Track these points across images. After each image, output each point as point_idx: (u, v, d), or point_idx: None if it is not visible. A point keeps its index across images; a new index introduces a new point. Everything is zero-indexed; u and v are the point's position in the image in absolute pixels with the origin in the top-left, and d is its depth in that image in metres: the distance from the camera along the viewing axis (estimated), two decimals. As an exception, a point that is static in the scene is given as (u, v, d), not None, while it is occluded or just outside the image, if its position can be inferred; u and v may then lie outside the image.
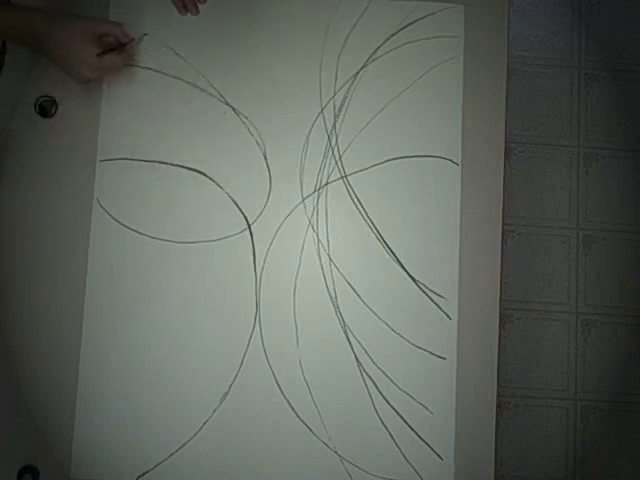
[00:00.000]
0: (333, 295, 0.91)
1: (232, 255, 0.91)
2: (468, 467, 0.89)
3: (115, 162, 0.91)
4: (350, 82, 0.94)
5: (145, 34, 0.93)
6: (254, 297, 0.90)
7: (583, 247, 1.69)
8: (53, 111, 0.91)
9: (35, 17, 0.81)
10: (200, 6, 0.93)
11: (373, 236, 0.92)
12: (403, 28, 0.95)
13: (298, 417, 0.88)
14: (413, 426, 0.89)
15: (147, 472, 0.87)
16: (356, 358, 0.90)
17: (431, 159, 0.94)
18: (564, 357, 1.66)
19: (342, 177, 0.93)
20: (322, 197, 0.92)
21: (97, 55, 0.83)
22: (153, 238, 0.90)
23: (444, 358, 0.90)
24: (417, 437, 0.89)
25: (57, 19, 0.83)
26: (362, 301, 0.91)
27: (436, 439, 0.89)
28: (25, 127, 0.91)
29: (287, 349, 0.89)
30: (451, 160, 0.94)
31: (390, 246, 0.92)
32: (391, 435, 0.89)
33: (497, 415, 0.90)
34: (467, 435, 0.89)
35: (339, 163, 0.93)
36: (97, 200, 0.91)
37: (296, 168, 0.93)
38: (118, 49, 0.87)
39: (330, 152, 0.93)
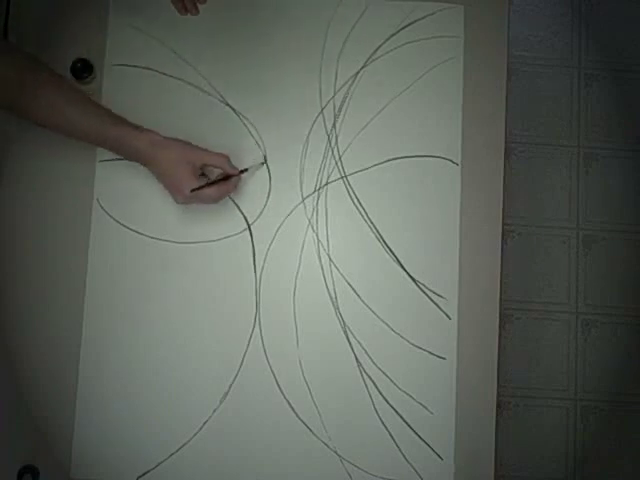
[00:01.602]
0: (333, 295, 0.91)
1: (232, 255, 0.91)
2: (468, 467, 0.89)
3: (115, 162, 0.91)
4: (350, 82, 0.94)
5: (263, 162, 0.91)
6: (254, 297, 0.90)
7: (583, 247, 1.69)
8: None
9: (140, 140, 0.83)
10: (200, 6, 0.93)
11: (373, 236, 0.92)
12: (403, 28, 0.95)
13: (298, 417, 0.88)
14: (413, 426, 0.89)
15: (147, 472, 0.87)
16: (356, 358, 0.90)
17: (431, 159, 0.94)
18: (564, 357, 1.66)
19: (342, 177, 0.93)
20: (322, 197, 0.92)
21: (191, 191, 0.83)
22: (153, 238, 0.90)
23: (444, 358, 0.90)
24: (417, 437, 0.89)
25: (162, 144, 0.84)
26: (362, 301, 0.91)
27: (436, 439, 0.89)
28: (25, 127, 0.91)
29: (287, 349, 0.89)
30: (451, 160, 0.94)
31: (390, 246, 0.92)
32: (391, 435, 0.89)
33: (497, 415, 0.90)
34: (467, 435, 0.89)
35: (339, 163, 0.93)
36: (97, 200, 0.91)
37: (296, 168, 0.93)
38: (218, 182, 0.86)
39: (330, 152, 0.93)
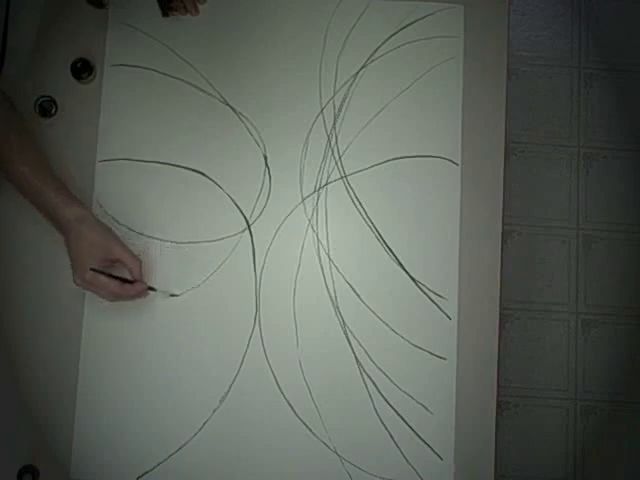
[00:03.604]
0: (333, 295, 0.91)
1: (232, 255, 0.91)
2: (468, 467, 0.89)
3: (115, 162, 0.91)
4: (350, 82, 0.94)
5: (173, 295, 0.89)
6: (254, 297, 0.90)
7: (583, 247, 1.69)
8: (53, 111, 0.91)
9: (72, 211, 0.82)
10: (200, 6, 0.94)
11: (373, 236, 0.92)
12: (403, 28, 0.95)
13: (298, 417, 0.88)
14: (413, 426, 0.89)
15: (147, 472, 0.87)
16: (356, 358, 0.90)
17: (431, 159, 0.94)
18: (564, 357, 1.66)
19: (342, 177, 0.93)
20: (322, 197, 0.92)
21: (90, 269, 0.82)
22: (153, 238, 0.90)
23: (444, 358, 0.90)
24: (417, 437, 0.89)
25: (89, 222, 0.83)
26: (362, 301, 0.91)
27: (436, 439, 0.89)
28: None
29: (287, 349, 0.89)
30: (451, 160, 0.94)
31: (390, 246, 0.92)
32: (391, 435, 0.89)
33: (497, 415, 0.90)
34: (467, 435, 0.89)
35: (339, 163, 0.93)
36: (97, 200, 0.91)
37: (296, 168, 0.93)
38: (122, 280, 0.84)
39: (330, 152, 0.93)
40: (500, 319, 0.92)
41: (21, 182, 0.82)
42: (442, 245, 0.92)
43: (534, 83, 1.73)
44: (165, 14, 0.91)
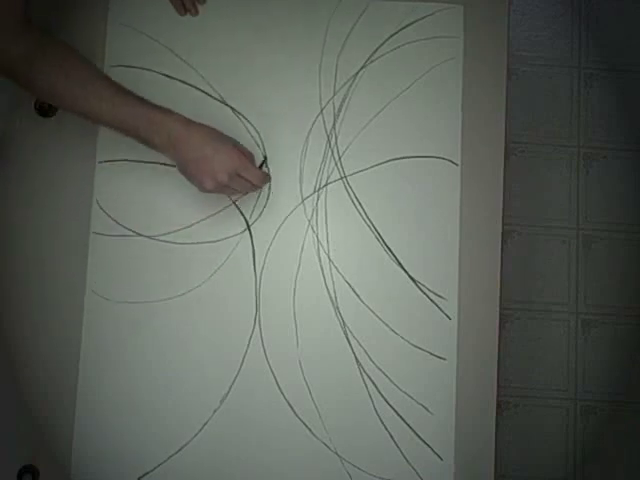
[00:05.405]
0: (333, 295, 0.91)
1: (232, 256, 0.91)
2: (468, 467, 0.89)
3: (114, 163, 0.91)
4: (350, 82, 0.94)
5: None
6: (254, 298, 0.90)
7: (583, 247, 1.69)
8: (53, 111, 0.91)
9: (175, 120, 0.77)
10: (199, 6, 0.94)
11: (373, 237, 0.92)
12: (402, 28, 0.95)
13: (298, 418, 0.88)
14: (413, 426, 0.89)
15: (147, 473, 0.87)
16: (356, 358, 0.90)
17: (431, 159, 0.94)
18: (564, 357, 1.66)
19: (342, 178, 0.93)
20: (322, 198, 0.92)
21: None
22: (153, 239, 0.90)
23: (444, 359, 0.90)
24: (417, 437, 0.89)
25: (195, 123, 0.79)
26: (362, 301, 0.91)
27: (436, 439, 0.89)
28: (25, 127, 0.91)
29: (287, 349, 0.89)
30: (451, 161, 0.94)
31: (390, 247, 0.92)
32: (391, 435, 0.89)
33: (497, 415, 0.90)
34: (467, 435, 0.89)
35: (339, 164, 0.93)
36: (96, 201, 0.91)
37: (296, 169, 0.93)
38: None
39: (330, 153, 0.93)
40: (500, 319, 0.92)
41: (104, 110, 0.75)
42: (442, 245, 0.92)
43: (534, 83, 1.73)
44: None
